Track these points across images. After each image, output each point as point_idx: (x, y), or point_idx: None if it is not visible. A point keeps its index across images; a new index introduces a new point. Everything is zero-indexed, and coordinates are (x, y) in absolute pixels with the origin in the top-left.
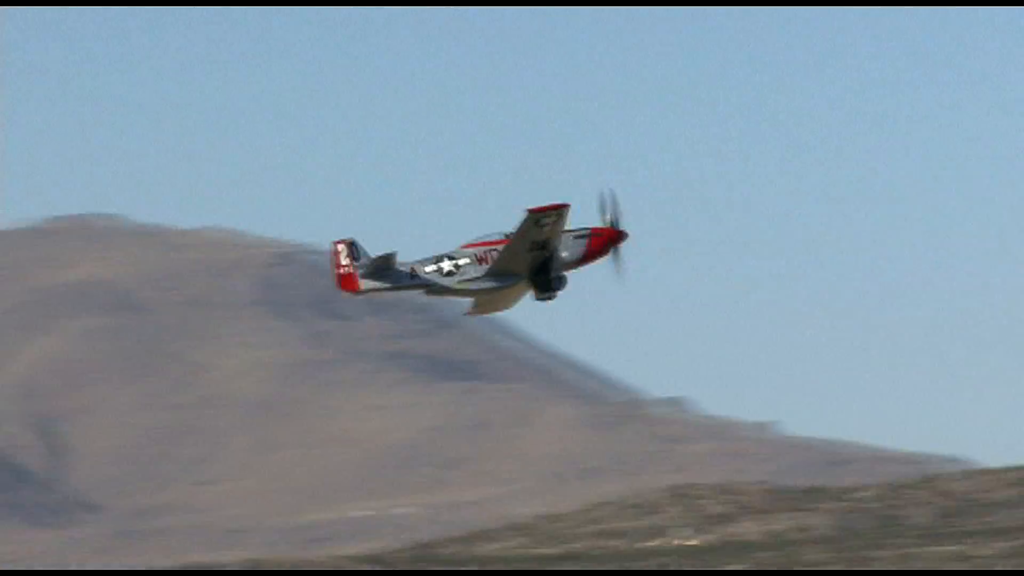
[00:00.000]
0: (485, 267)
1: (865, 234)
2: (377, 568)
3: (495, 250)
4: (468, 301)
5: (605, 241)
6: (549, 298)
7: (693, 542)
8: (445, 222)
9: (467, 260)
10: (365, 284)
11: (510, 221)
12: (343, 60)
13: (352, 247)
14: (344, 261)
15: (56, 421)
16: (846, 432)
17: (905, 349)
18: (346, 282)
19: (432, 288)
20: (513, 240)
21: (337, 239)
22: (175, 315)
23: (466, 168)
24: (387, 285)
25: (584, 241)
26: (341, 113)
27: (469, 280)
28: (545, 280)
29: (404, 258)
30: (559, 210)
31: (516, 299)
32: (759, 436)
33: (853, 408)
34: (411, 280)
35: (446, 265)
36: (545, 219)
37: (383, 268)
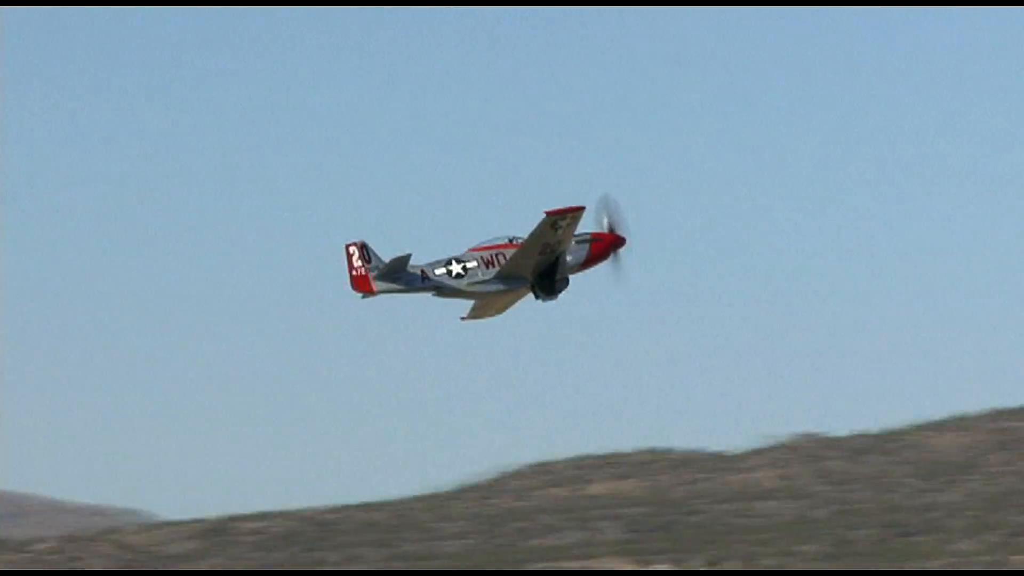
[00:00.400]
0: (493, 270)
1: None
2: None
3: (502, 253)
4: (462, 309)
5: (607, 246)
6: (551, 299)
7: None
8: (444, 226)
9: (474, 263)
10: (379, 286)
11: (513, 225)
12: (343, 59)
13: (364, 249)
14: (357, 263)
15: None
16: (25, 483)
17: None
18: (360, 283)
19: (443, 290)
20: (526, 242)
21: (349, 242)
22: None
23: (468, 171)
24: (400, 287)
25: (586, 246)
26: (339, 114)
27: (478, 283)
28: (550, 283)
29: (412, 261)
30: (576, 213)
31: (513, 303)
32: None
33: (33, 459)
34: (423, 282)
35: (455, 268)
36: (561, 221)
37: (397, 270)
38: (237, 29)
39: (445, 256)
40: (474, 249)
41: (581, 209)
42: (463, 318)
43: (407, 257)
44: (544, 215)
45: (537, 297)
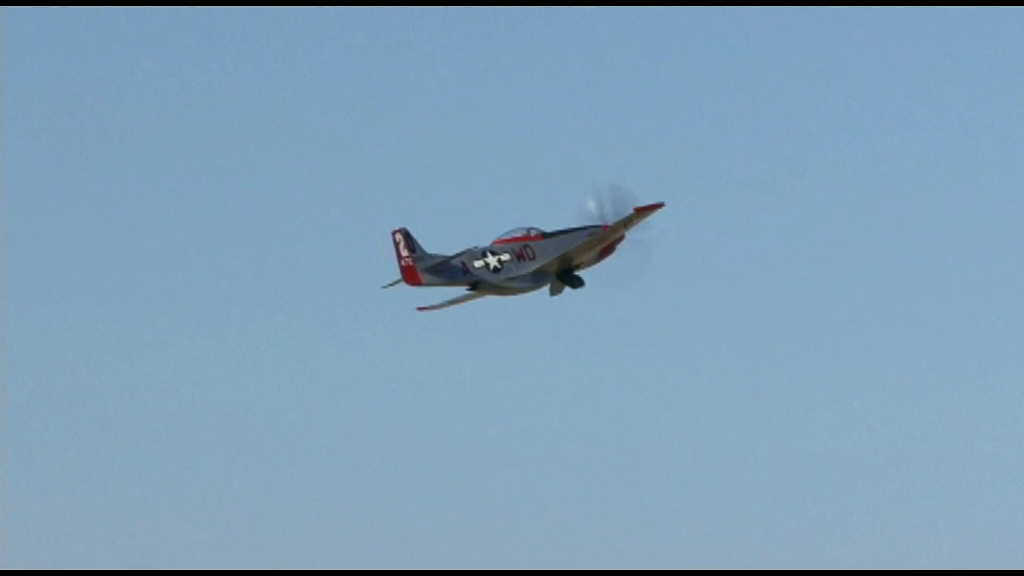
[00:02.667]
0: (528, 263)
1: None
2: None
3: (528, 246)
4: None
5: (616, 241)
6: (581, 286)
7: None
8: (445, 216)
9: (508, 256)
10: (427, 279)
11: (502, 215)
12: (339, 58)
13: (407, 236)
14: (404, 252)
15: None
16: None
17: None
18: (410, 275)
19: (481, 284)
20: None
21: (394, 228)
22: None
23: (465, 160)
24: (443, 281)
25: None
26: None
27: (515, 277)
28: (575, 277)
29: (444, 252)
30: (657, 209)
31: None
32: None
33: None
34: (464, 276)
35: (492, 261)
36: (637, 219)
37: (445, 265)
38: (232, 22)
39: (471, 247)
40: (500, 241)
41: (662, 205)
42: (420, 308)
43: (457, 255)
44: (633, 211)
45: (573, 287)
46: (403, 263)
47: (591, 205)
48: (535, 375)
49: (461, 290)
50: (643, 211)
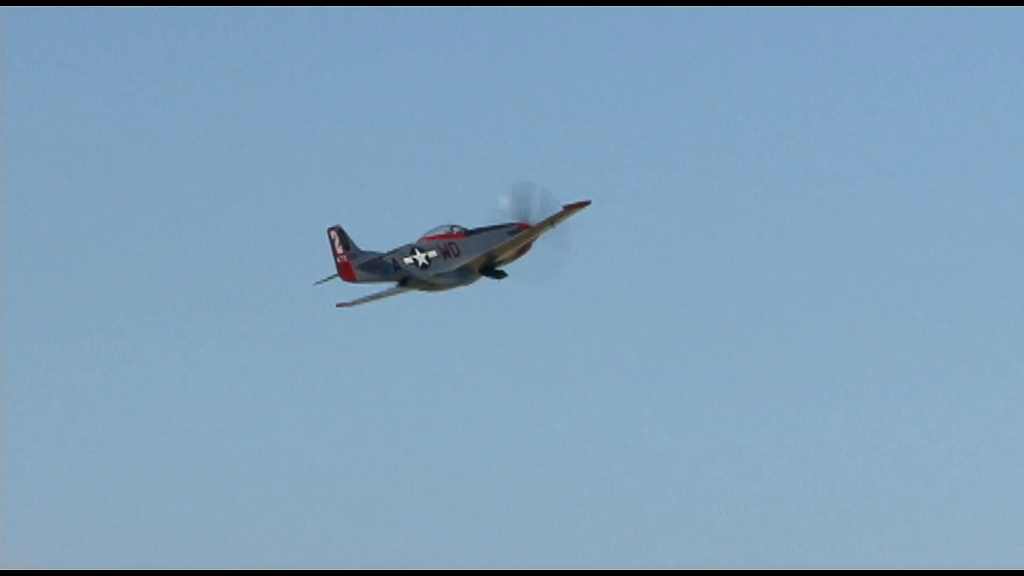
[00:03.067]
0: (452, 260)
1: None
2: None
3: (454, 243)
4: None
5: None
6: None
7: None
8: (370, 213)
9: (435, 253)
10: (361, 275)
11: (450, 214)
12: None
13: (342, 234)
14: (339, 249)
15: None
16: None
17: None
18: (346, 271)
19: (409, 280)
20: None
21: (329, 225)
22: None
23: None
24: (377, 277)
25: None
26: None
27: (442, 274)
28: (498, 271)
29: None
30: (583, 207)
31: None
32: None
33: None
34: (395, 272)
35: (419, 258)
36: (565, 216)
37: (376, 262)
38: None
39: (400, 244)
40: (427, 238)
41: (589, 203)
42: (340, 304)
43: (389, 253)
44: (562, 208)
45: (498, 279)
46: (339, 260)
47: (509, 204)
48: (460, 368)
49: (386, 286)
50: (571, 209)
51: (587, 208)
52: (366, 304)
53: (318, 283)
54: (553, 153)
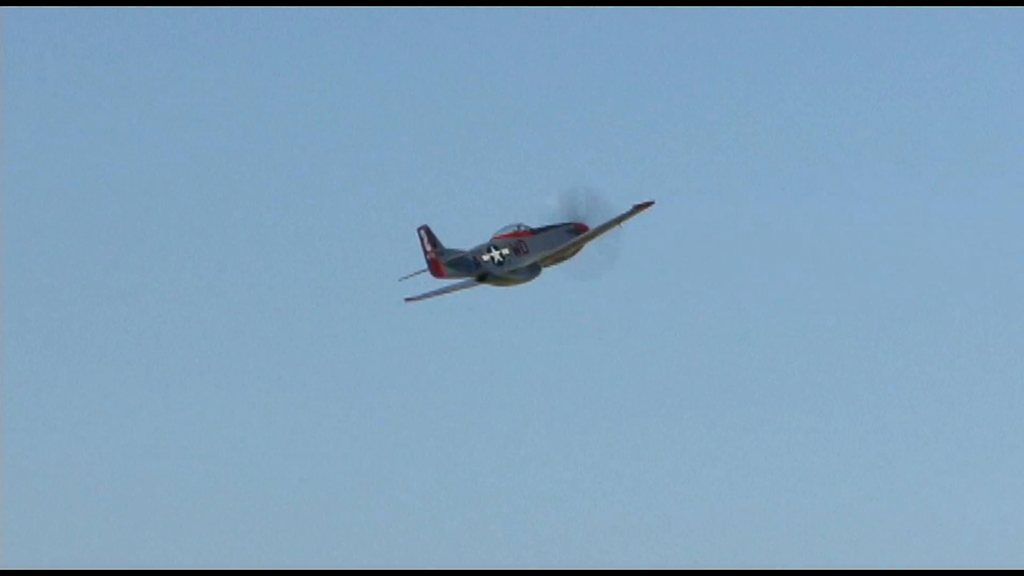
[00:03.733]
0: (524, 257)
1: None
2: None
3: (522, 241)
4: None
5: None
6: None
7: None
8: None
9: (508, 250)
10: (448, 271)
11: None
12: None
13: (430, 232)
14: (428, 247)
15: None
16: None
17: None
18: (436, 267)
19: (488, 277)
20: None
21: (419, 224)
22: None
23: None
24: (462, 272)
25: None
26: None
27: (515, 271)
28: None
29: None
30: (649, 207)
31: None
32: None
33: None
34: (476, 268)
35: (495, 255)
36: (630, 217)
37: (462, 259)
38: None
39: (476, 243)
40: (499, 237)
41: (652, 203)
42: (408, 299)
43: (470, 251)
44: (632, 207)
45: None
46: (429, 257)
47: (558, 204)
48: (524, 363)
49: (464, 281)
50: (638, 208)
51: (651, 208)
52: (430, 299)
53: (403, 278)
54: (598, 154)
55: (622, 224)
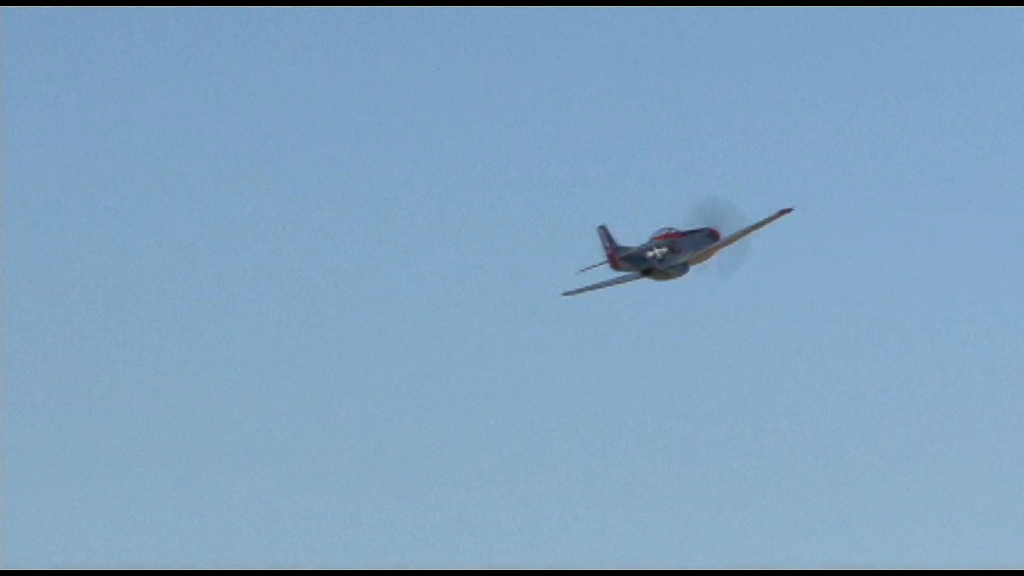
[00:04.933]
0: (679, 256)
1: None
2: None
3: (674, 241)
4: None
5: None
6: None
7: None
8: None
9: (665, 249)
10: (623, 266)
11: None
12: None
13: (607, 230)
14: (607, 244)
15: None
16: None
17: None
18: (612, 261)
19: (652, 271)
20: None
21: (599, 224)
22: None
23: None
24: (633, 267)
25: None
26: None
27: (674, 266)
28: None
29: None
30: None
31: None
32: None
33: None
34: (643, 263)
35: (657, 252)
36: (768, 222)
37: (633, 255)
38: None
39: (638, 243)
40: (657, 237)
41: (792, 210)
42: (565, 293)
43: (640, 247)
44: (776, 212)
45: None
46: (607, 252)
47: (700, 211)
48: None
49: (624, 274)
50: (778, 214)
51: (790, 215)
52: (586, 293)
53: (583, 270)
54: (732, 163)
55: (758, 230)
